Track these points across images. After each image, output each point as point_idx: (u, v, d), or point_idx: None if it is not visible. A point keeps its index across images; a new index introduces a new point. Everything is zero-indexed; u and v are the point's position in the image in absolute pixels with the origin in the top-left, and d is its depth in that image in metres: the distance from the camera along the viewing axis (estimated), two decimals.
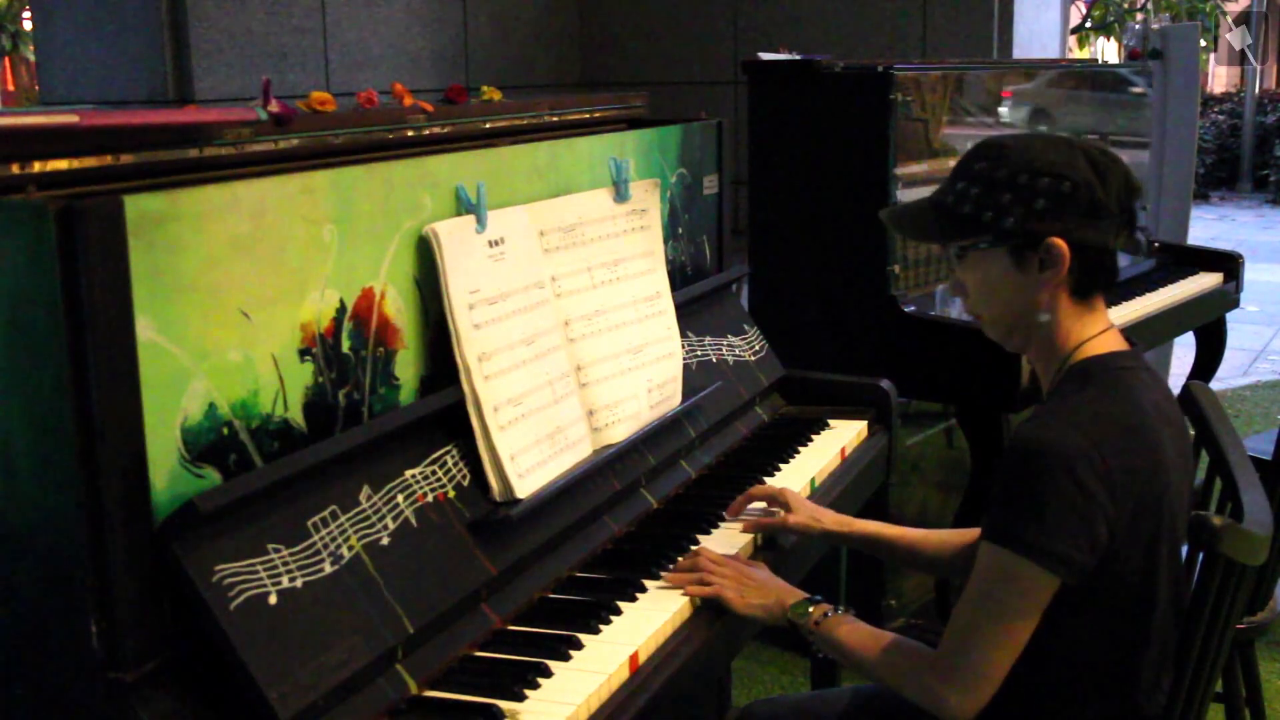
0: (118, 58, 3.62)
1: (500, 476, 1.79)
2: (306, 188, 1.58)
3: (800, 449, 2.44)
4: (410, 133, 1.99)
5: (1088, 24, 12.77)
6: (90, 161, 1.49)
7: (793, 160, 3.30)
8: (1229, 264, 4.19)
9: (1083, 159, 1.70)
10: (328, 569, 1.48)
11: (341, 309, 1.63)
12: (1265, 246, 11.75)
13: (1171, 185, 5.12)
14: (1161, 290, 3.88)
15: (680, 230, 2.51)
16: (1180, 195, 5.18)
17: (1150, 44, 5.06)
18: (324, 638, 1.42)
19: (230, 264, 1.45)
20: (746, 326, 2.66)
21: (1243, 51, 16.24)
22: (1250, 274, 4.50)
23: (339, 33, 3.95)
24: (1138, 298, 3.75)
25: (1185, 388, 2.03)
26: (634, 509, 2.08)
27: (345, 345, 1.64)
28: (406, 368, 1.76)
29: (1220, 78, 25.56)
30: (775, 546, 2.08)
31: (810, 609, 1.80)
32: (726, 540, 2.02)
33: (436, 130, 2.05)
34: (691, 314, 2.44)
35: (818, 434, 2.53)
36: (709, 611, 1.80)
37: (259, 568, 1.40)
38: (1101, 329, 1.76)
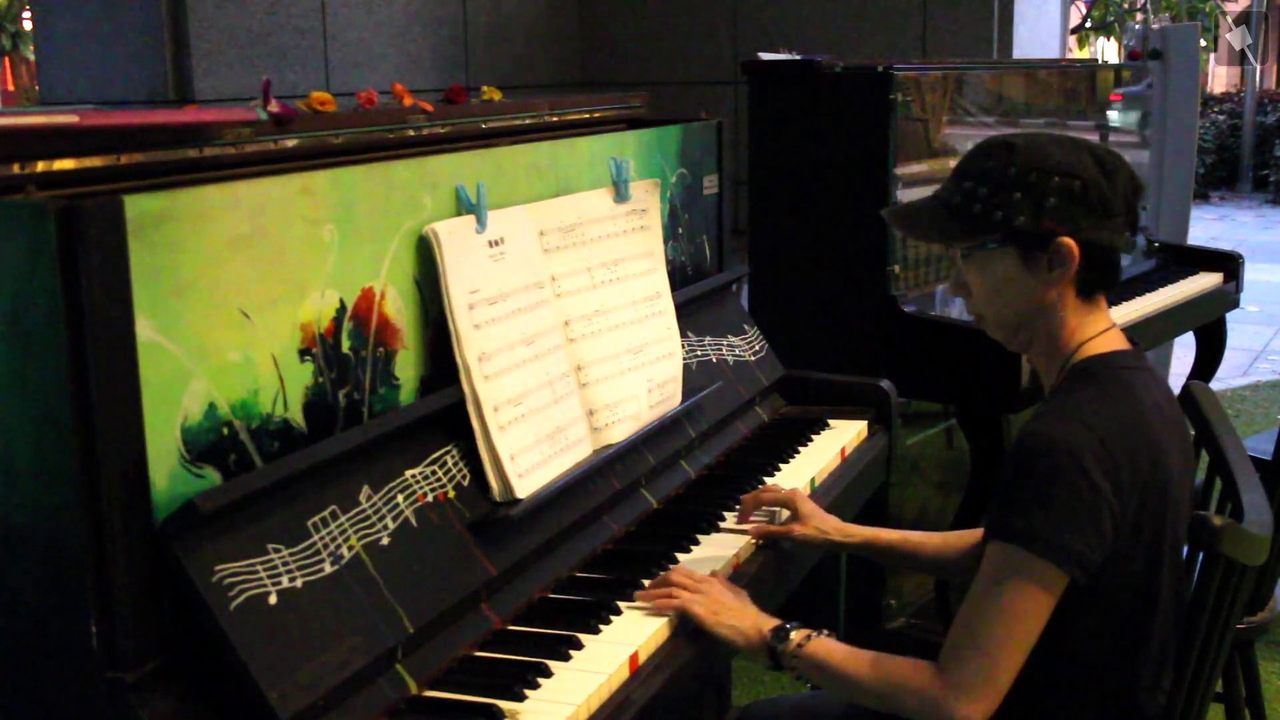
0: (118, 58, 3.62)
1: (500, 476, 1.79)
2: (306, 188, 1.58)
3: (800, 449, 2.44)
4: (410, 133, 1.99)
5: (1088, 24, 12.78)
6: (90, 161, 1.49)
7: (793, 160, 3.30)
8: (1229, 264, 4.19)
9: (1090, 158, 1.70)
10: (328, 569, 1.48)
11: (341, 309, 1.63)
12: (1265, 246, 11.75)
13: (1171, 185, 5.12)
14: (1161, 290, 3.88)
15: (680, 230, 2.51)
16: (1180, 195, 5.19)
17: (1150, 44, 5.07)
18: (324, 638, 1.42)
19: (230, 264, 1.45)
20: (746, 326, 2.66)
21: (1243, 51, 16.24)
22: (1250, 274, 4.50)
23: (339, 33, 3.95)
24: (1138, 298, 3.75)
25: (1185, 388, 2.03)
26: (634, 509, 2.08)
27: (345, 345, 1.64)
28: (406, 368, 1.75)
29: (1220, 78, 25.56)
30: (775, 547, 2.07)
31: (791, 633, 1.72)
32: (726, 541, 2.02)
33: (436, 130, 2.05)
34: (691, 314, 2.44)
35: (818, 434, 2.53)
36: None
37: (259, 568, 1.40)
38: (1104, 328, 1.76)
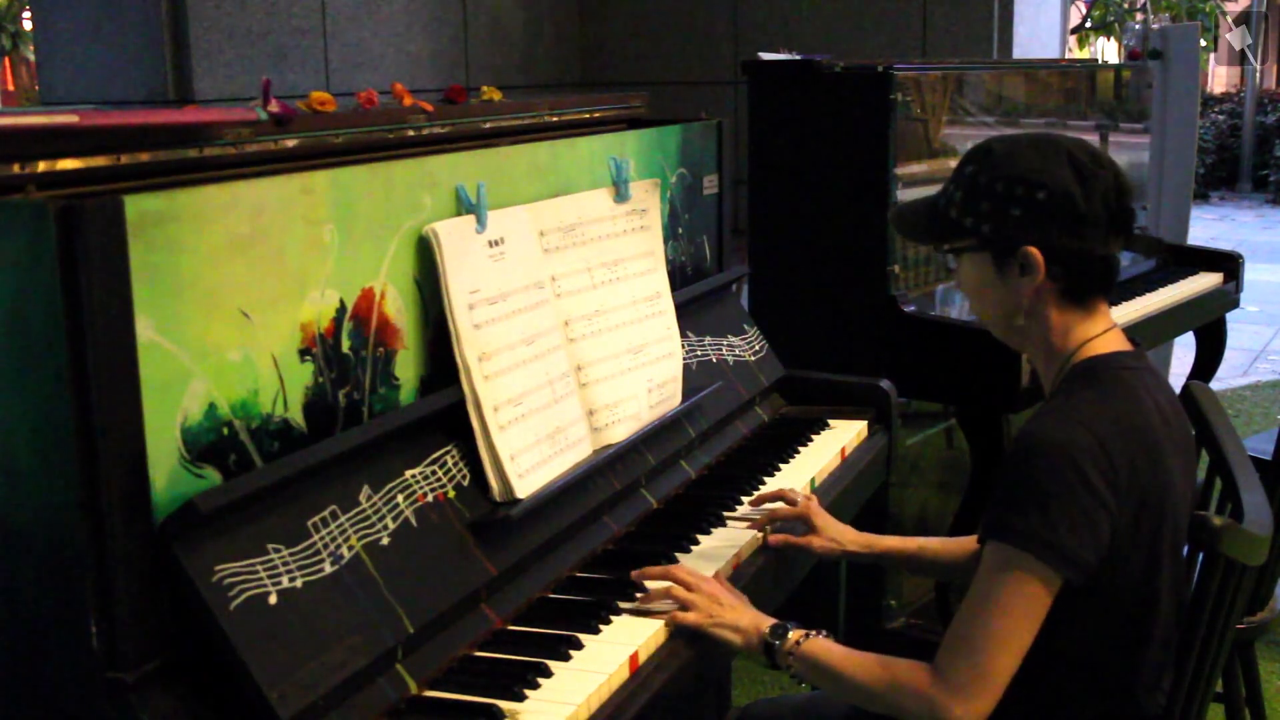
0: (118, 58, 3.62)
1: (500, 476, 1.79)
2: (306, 188, 1.58)
3: (800, 449, 2.44)
4: (410, 133, 1.99)
5: (1088, 24, 12.77)
6: (90, 161, 1.48)
7: (793, 160, 3.30)
8: (1229, 264, 4.19)
9: (1067, 166, 1.69)
10: (328, 569, 1.48)
11: (341, 309, 1.63)
12: (1265, 246, 11.75)
13: (1171, 185, 5.12)
14: (1161, 290, 3.87)
15: (680, 230, 2.51)
16: (1180, 195, 5.19)
17: (1150, 44, 5.07)
18: (324, 638, 1.42)
19: (230, 264, 1.45)
20: (746, 326, 2.66)
21: (1243, 51, 16.24)
22: (1250, 274, 4.50)
23: (339, 33, 3.95)
24: (1138, 298, 3.75)
25: (1185, 388, 2.03)
26: (634, 509, 2.08)
27: (345, 345, 1.64)
28: (406, 368, 1.75)
29: (1220, 78, 25.55)
30: (773, 548, 2.07)
31: (789, 632, 1.73)
32: (726, 540, 2.02)
33: (436, 130, 2.05)
34: (691, 314, 2.44)
35: (818, 434, 2.53)
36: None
37: (259, 568, 1.40)
38: (1104, 329, 1.76)
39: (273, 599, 1.40)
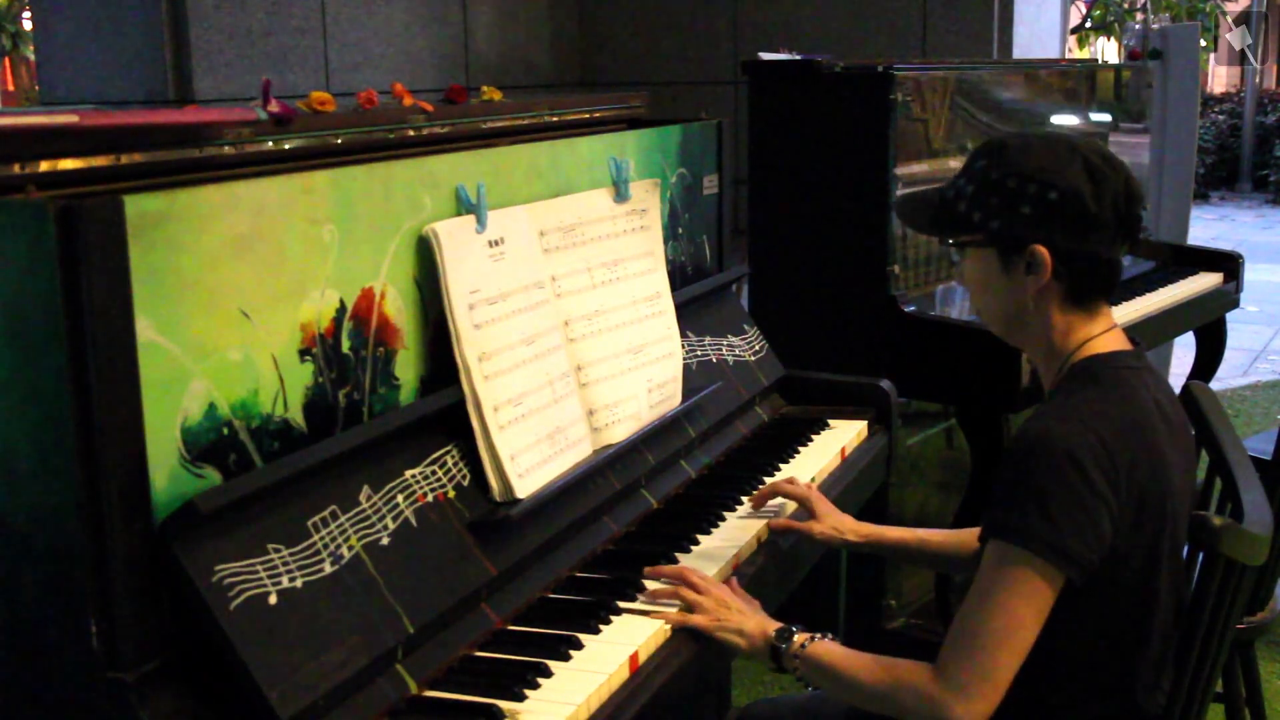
0: (118, 58, 3.62)
1: (500, 476, 1.79)
2: (306, 188, 1.58)
3: (800, 449, 2.44)
4: (410, 133, 1.99)
5: (1088, 24, 12.76)
6: (90, 161, 1.48)
7: (793, 160, 3.30)
8: (1229, 264, 4.19)
9: (1080, 166, 1.69)
10: (328, 569, 1.48)
11: (341, 309, 1.63)
12: (1265, 246, 11.75)
13: (1171, 185, 5.12)
14: (1161, 290, 3.87)
15: (680, 230, 2.51)
16: (1180, 195, 5.19)
17: (1150, 44, 5.07)
18: (324, 638, 1.42)
19: (230, 264, 1.45)
20: (746, 326, 2.66)
21: (1243, 51, 16.23)
22: (1250, 274, 4.50)
23: (339, 33, 3.95)
24: (1138, 298, 3.75)
25: (1185, 388, 2.03)
26: (634, 509, 2.08)
27: (345, 345, 1.64)
28: (406, 368, 1.75)
29: (1220, 78, 25.55)
30: (774, 546, 2.07)
31: (794, 635, 1.74)
32: (727, 540, 2.02)
33: (436, 130, 2.05)
34: (691, 314, 2.44)
35: (818, 434, 2.53)
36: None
37: (259, 568, 1.40)
38: (1104, 329, 1.76)
39: (273, 599, 1.40)
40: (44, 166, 1.44)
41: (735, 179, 3.06)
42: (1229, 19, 16.32)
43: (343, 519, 1.54)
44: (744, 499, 2.17)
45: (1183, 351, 5.12)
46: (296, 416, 1.56)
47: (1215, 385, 5.08)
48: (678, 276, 2.46)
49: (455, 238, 1.79)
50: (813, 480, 2.32)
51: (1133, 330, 1.92)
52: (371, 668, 1.47)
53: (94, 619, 1.29)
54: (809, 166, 3.28)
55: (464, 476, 1.76)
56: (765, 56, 3.41)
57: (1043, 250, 1.69)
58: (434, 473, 1.72)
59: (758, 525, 2.08)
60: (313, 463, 1.51)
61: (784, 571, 2.07)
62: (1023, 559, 1.60)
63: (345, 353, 1.64)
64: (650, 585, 1.81)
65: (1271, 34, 25.41)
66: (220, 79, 3.59)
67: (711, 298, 2.58)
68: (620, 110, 2.58)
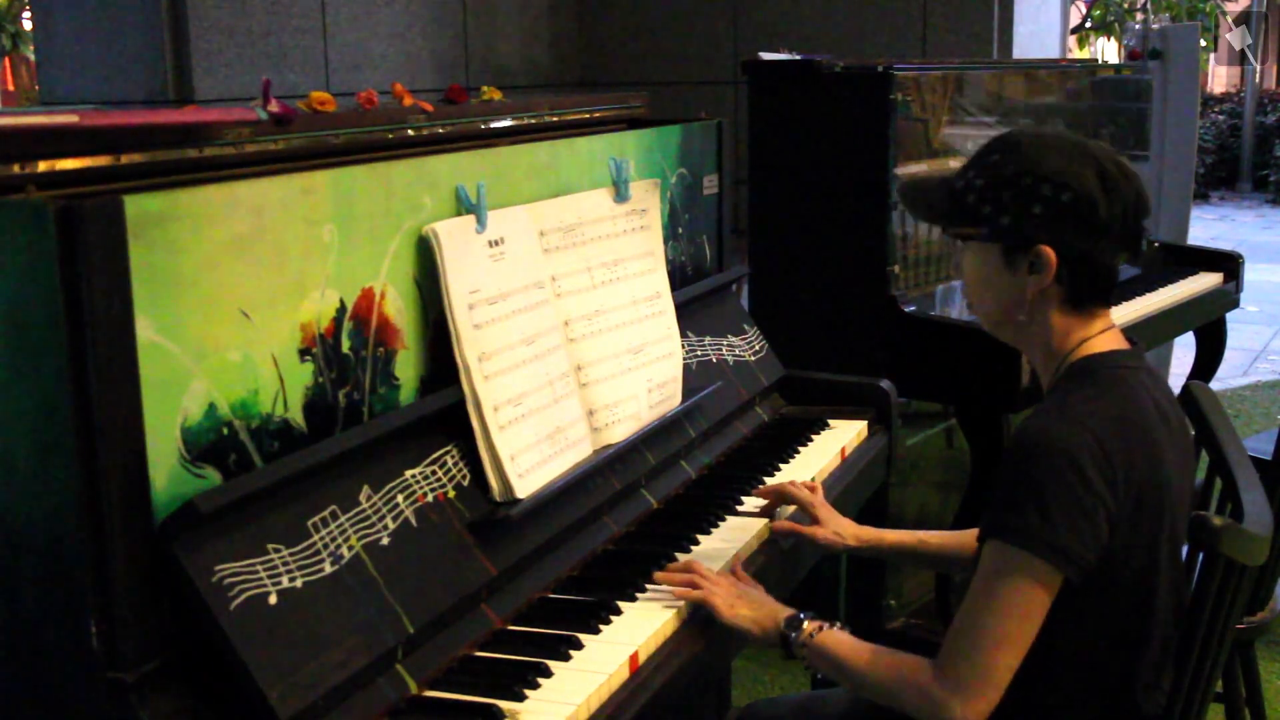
0: (118, 58, 3.62)
1: (500, 476, 1.79)
2: (306, 188, 1.58)
3: (800, 449, 2.44)
4: (410, 133, 1.99)
5: (1088, 24, 12.76)
6: (90, 161, 1.48)
7: (793, 160, 3.30)
8: (1229, 264, 4.19)
9: (1093, 171, 1.68)
10: (328, 569, 1.48)
11: (341, 309, 1.63)
12: (1265, 246, 11.75)
13: (1171, 185, 5.12)
14: (1161, 290, 3.87)
15: (680, 230, 2.51)
16: (1180, 195, 5.19)
17: (1150, 44, 5.07)
18: (324, 638, 1.42)
19: (230, 264, 1.45)
20: (746, 326, 2.66)
21: (1243, 51, 16.23)
22: (1250, 274, 4.50)
23: (339, 33, 3.95)
24: (1138, 298, 3.75)
25: (1185, 388, 2.03)
26: (634, 509, 2.08)
27: (345, 345, 1.64)
28: (406, 368, 1.76)
29: (1220, 78, 25.54)
30: (774, 546, 2.07)
31: (805, 622, 1.75)
32: (727, 540, 2.02)
33: (436, 130, 2.05)
34: (691, 314, 2.44)
35: (818, 434, 2.53)
36: (708, 612, 1.80)
37: (259, 568, 1.40)
38: (1102, 328, 1.76)
39: (273, 599, 1.40)
40: (44, 166, 1.44)
41: (735, 179, 3.06)
42: (1229, 19, 16.31)
43: (343, 519, 1.54)
44: (744, 499, 2.17)
45: (1183, 351, 5.12)
46: (296, 416, 1.56)
47: (1215, 385, 5.08)
48: (678, 276, 2.46)
49: (455, 238, 1.80)
50: (813, 480, 2.31)
51: (1132, 330, 1.92)
52: (371, 668, 1.47)
53: (94, 619, 1.29)
54: (809, 166, 3.27)
55: (464, 476, 1.76)
56: (765, 56, 3.41)
57: (1049, 251, 1.69)
58: (434, 473, 1.72)
59: (758, 525, 2.08)
60: (313, 463, 1.51)
61: (784, 571, 2.07)
62: (1021, 559, 1.60)
63: (345, 353, 1.64)
64: (658, 576, 1.82)
65: (1271, 34, 25.41)
66: (220, 79, 3.59)
67: (711, 298, 2.58)
68: (620, 110, 2.58)
